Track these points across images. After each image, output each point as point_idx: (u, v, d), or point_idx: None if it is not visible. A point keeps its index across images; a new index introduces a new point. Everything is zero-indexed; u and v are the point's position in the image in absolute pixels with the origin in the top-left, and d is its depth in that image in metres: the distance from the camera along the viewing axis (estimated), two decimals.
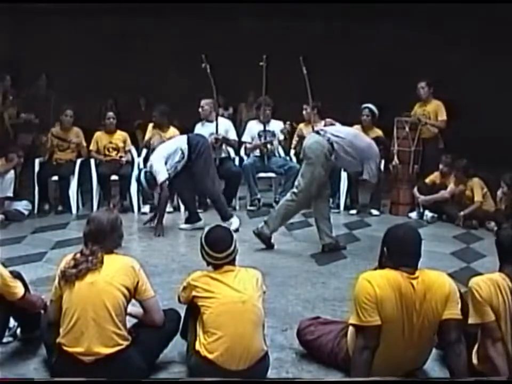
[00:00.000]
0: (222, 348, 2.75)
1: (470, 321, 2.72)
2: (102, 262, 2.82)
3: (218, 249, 2.93)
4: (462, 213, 6.25)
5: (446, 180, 6.62)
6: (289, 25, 9.53)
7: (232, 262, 2.96)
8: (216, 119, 6.95)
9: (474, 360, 2.81)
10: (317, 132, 5.25)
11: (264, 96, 7.11)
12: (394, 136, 6.95)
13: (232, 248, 2.94)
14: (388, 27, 9.23)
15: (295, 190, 5.19)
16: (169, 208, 6.79)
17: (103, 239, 2.87)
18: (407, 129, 6.89)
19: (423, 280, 2.70)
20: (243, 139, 7.29)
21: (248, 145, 7.21)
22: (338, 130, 5.27)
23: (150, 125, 7.20)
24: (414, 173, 6.94)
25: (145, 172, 5.86)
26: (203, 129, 7.04)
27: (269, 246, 5.30)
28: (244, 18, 9.43)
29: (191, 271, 3.06)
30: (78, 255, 2.86)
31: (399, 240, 2.80)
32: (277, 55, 7.64)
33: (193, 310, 2.91)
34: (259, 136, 7.13)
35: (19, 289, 3.01)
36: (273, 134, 7.14)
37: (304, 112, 7.27)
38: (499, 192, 6.21)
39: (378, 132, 7.04)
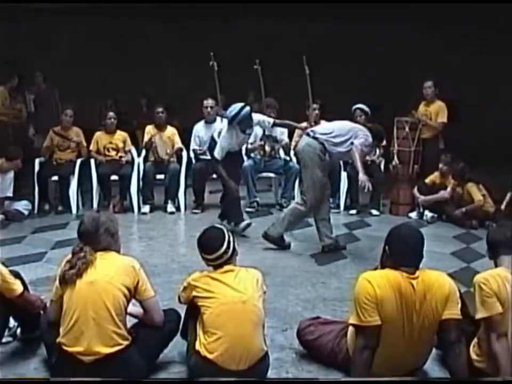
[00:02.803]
0: (222, 348, 2.75)
1: (478, 316, 2.71)
2: (94, 257, 2.82)
3: (208, 251, 2.93)
4: (463, 209, 6.26)
5: (446, 179, 6.63)
6: (290, 25, 9.53)
7: (228, 262, 2.95)
8: (215, 120, 6.96)
9: (473, 356, 2.81)
10: (307, 134, 5.26)
11: (270, 98, 7.09)
12: (394, 136, 6.96)
13: (222, 249, 2.91)
14: (388, 27, 9.23)
15: (303, 196, 5.20)
16: (171, 208, 6.82)
17: (90, 239, 2.87)
18: (407, 129, 6.90)
19: (423, 280, 2.70)
20: None
21: (249, 146, 7.19)
22: (324, 127, 5.32)
23: (148, 127, 7.21)
24: (414, 173, 6.94)
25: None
26: (205, 130, 7.03)
27: (282, 246, 5.29)
28: (244, 19, 9.43)
29: (191, 271, 3.06)
30: (70, 256, 2.86)
31: (400, 240, 2.80)
32: (277, 55, 7.67)
33: (193, 310, 2.91)
34: (261, 140, 7.10)
35: (18, 286, 3.02)
36: (275, 140, 7.11)
37: (312, 111, 7.22)
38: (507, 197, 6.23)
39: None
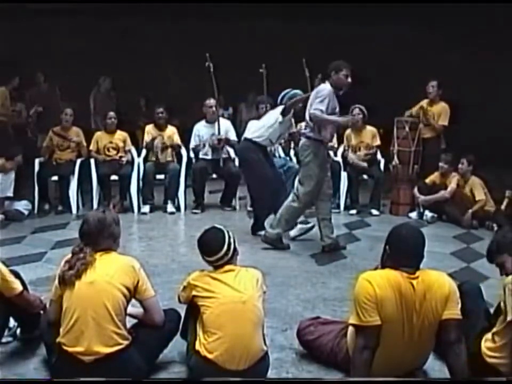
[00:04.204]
0: (222, 348, 2.75)
1: (510, 318, 2.62)
2: (94, 258, 2.82)
3: (208, 253, 2.94)
4: (470, 211, 6.24)
5: (446, 179, 6.63)
6: (290, 25, 9.53)
7: (229, 262, 2.94)
8: (218, 120, 6.96)
9: (486, 351, 2.76)
10: (301, 135, 5.30)
11: (264, 95, 7.09)
12: (394, 136, 6.97)
13: (222, 252, 2.91)
14: (388, 27, 9.23)
15: (295, 191, 5.20)
16: (170, 208, 6.81)
17: (93, 239, 2.86)
18: (407, 129, 6.90)
19: (423, 280, 2.70)
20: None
21: None
22: (305, 124, 5.29)
23: (148, 126, 7.22)
24: (414, 173, 6.94)
25: None
26: (206, 129, 7.04)
27: (281, 247, 5.28)
28: (244, 19, 9.42)
29: (191, 271, 3.06)
30: (69, 257, 2.86)
31: (401, 240, 2.80)
32: (277, 55, 7.66)
33: (193, 310, 2.91)
34: None
35: (17, 285, 3.02)
36: None
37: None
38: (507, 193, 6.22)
39: (372, 131, 7.12)
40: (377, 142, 7.16)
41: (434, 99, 7.03)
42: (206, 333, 2.79)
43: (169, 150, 7.08)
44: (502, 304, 2.69)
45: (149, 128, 7.19)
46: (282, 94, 5.72)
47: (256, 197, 5.92)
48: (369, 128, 7.14)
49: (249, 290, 2.85)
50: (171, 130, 7.20)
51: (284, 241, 5.36)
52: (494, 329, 2.76)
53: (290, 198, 5.27)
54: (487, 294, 3.18)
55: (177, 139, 7.16)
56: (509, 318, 2.66)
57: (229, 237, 2.98)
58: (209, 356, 2.75)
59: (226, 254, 2.92)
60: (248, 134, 5.84)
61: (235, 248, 2.99)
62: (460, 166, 6.44)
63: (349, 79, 5.01)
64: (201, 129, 7.07)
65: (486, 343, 2.79)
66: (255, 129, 5.79)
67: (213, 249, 2.93)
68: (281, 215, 5.27)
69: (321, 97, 4.96)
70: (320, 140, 5.09)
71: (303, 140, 5.21)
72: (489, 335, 2.79)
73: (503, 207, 6.21)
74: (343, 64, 5.03)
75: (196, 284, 2.88)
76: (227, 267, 2.92)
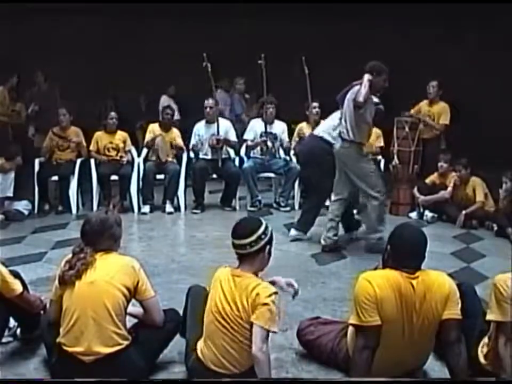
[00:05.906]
0: (214, 356, 2.73)
1: (490, 317, 2.66)
2: (94, 258, 2.82)
3: (235, 234, 2.78)
4: (464, 212, 6.25)
5: (446, 179, 6.63)
6: (290, 25, 9.52)
7: (251, 258, 2.75)
8: (217, 120, 6.96)
9: (482, 359, 2.78)
10: (342, 139, 5.16)
11: (267, 94, 7.09)
12: (394, 136, 6.97)
13: (249, 239, 2.72)
14: (388, 27, 9.23)
15: (373, 192, 5.09)
16: (169, 208, 6.81)
17: (94, 239, 2.86)
18: (407, 129, 6.90)
19: (423, 280, 2.70)
20: (245, 136, 7.27)
21: (249, 143, 7.20)
22: (346, 128, 5.16)
23: (151, 125, 7.21)
24: (414, 173, 6.94)
25: None
26: (206, 129, 7.04)
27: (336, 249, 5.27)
28: (244, 18, 9.42)
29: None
30: (70, 257, 2.86)
31: (402, 240, 2.79)
32: (278, 55, 7.66)
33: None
34: (261, 136, 7.11)
35: (17, 286, 3.02)
36: (275, 137, 7.13)
37: (312, 109, 7.17)
38: (501, 190, 6.20)
39: (377, 132, 7.10)
40: (381, 143, 7.15)
41: (434, 99, 7.04)
42: (203, 337, 2.81)
43: (170, 151, 7.06)
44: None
45: (153, 127, 7.16)
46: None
47: (317, 197, 5.65)
48: (375, 129, 7.12)
49: (244, 304, 2.67)
50: (175, 132, 7.17)
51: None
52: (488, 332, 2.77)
53: (372, 201, 5.09)
54: (487, 294, 3.18)
55: (180, 142, 7.14)
56: (487, 317, 2.69)
57: (264, 233, 2.77)
58: (205, 363, 2.75)
59: (251, 244, 2.72)
60: (320, 132, 5.64)
61: (263, 248, 2.76)
62: (457, 173, 6.44)
63: (387, 83, 4.99)
64: (201, 129, 7.07)
65: (483, 349, 2.80)
66: (327, 129, 5.59)
67: (241, 233, 2.77)
68: (372, 217, 5.16)
69: (352, 90, 4.99)
70: (359, 141, 5.07)
71: (340, 143, 5.10)
72: (486, 339, 2.80)
73: (500, 204, 6.19)
74: (383, 68, 4.99)
75: (214, 284, 2.82)
76: (238, 271, 2.77)
